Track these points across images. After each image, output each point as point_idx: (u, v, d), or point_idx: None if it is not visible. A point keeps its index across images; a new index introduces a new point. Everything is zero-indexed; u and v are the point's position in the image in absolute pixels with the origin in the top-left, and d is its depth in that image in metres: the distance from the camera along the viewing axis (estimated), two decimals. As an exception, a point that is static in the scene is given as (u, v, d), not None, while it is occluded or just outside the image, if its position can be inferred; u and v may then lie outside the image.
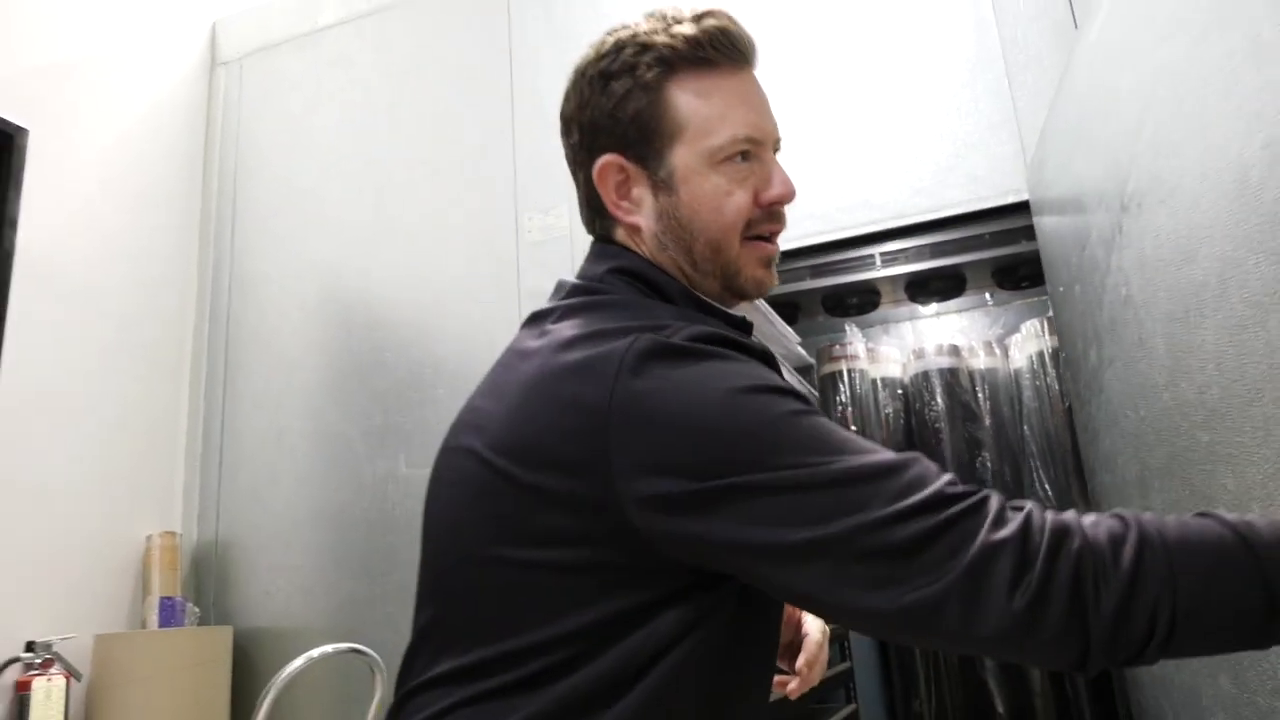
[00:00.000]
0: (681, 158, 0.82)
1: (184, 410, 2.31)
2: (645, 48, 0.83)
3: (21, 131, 1.98)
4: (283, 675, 1.68)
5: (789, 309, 2.09)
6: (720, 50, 0.83)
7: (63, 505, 1.97)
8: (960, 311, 2.39)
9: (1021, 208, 1.69)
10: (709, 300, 0.86)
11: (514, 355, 0.80)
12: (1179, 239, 0.99)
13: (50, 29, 2.10)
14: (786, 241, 0.96)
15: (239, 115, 2.48)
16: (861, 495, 0.63)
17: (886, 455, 0.66)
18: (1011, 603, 0.59)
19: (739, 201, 0.82)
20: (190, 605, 2.11)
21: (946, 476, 0.65)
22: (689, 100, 0.82)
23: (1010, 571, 0.60)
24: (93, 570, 2.02)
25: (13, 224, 1.93)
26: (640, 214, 0.85)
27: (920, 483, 0.63)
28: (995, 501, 0.63)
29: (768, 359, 0.80)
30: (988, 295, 2.26)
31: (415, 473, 2.01)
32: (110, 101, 2.23)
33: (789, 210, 0.87)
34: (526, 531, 0.71)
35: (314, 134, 2.37)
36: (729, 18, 0.85)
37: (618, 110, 0.83)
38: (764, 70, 0.88)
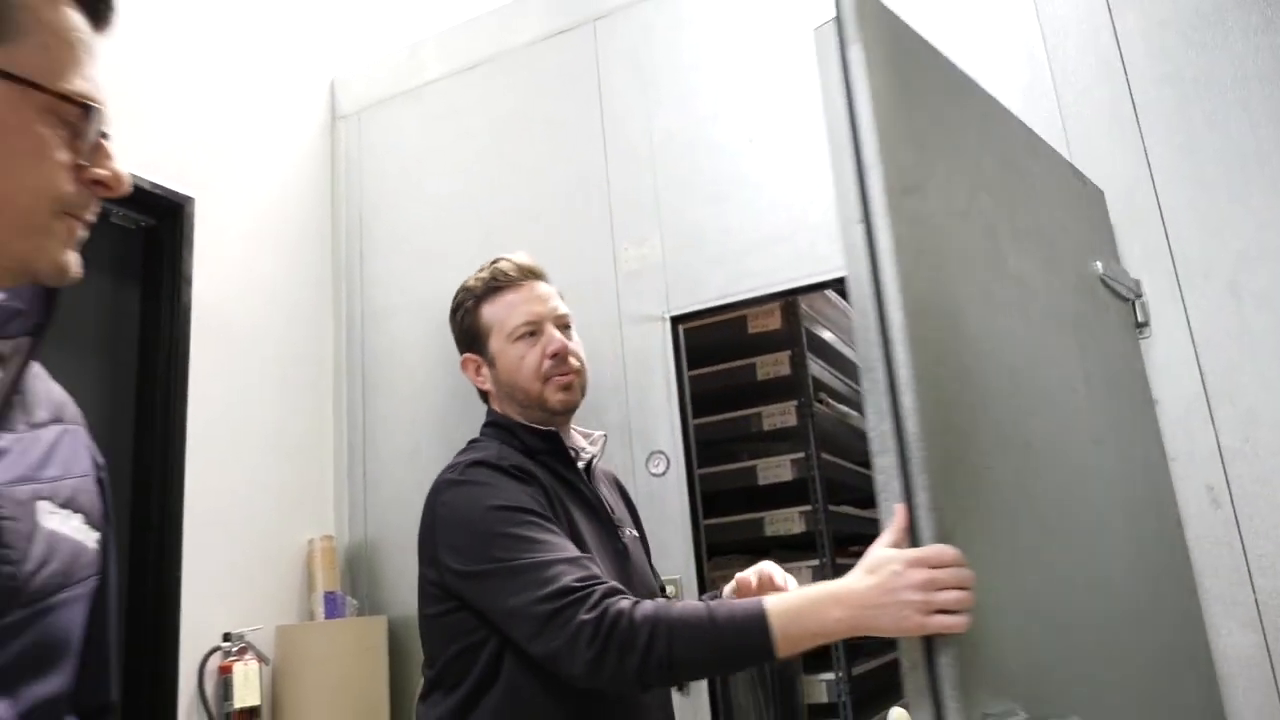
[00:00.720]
0: (495, 344, 1.48)
1: (330, 430, 2.64)
2: (468, 290, 1.54)
3: (189, 200, 2.31)
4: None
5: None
6: (504, 278, 1.50)
7: (242, 516, 2.31)
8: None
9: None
10: (533, 425, 1.46)
11: None
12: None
13: (198, 105, 2.42)
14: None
15: (360, 164, 2.79)
16: (529, 581, 1.20)
17: (545, 556, 1.23)
18: (587, 655, 1.14)
19: (531, 360, 1.44)
20: (349, 598, 2.44)
21: (572, 575, 1.20)
22: (491, 311, 1.49)
23: (587, 638, 1.15)
24: (268, 570, 2.37)
25: (188, 281, 2.27)
26: (489, 383, 1.50)
27: (554, 579, 1.19)
28: (597, 594, 1.17)
29: (523, 473, 1.37)
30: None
31: (536, 480, 2.29)
32: (254, 162, 2.55)
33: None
34: (427, 594, 1.36)
35: (426, 179, 2.66)
36: (510, 258, 1.53)
37: (461, 327, 1.54)
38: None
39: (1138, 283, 1.79)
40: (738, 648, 1.15)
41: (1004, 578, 1.15)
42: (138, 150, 2.20)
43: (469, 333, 1.52)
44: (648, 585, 1.49)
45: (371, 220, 2.74)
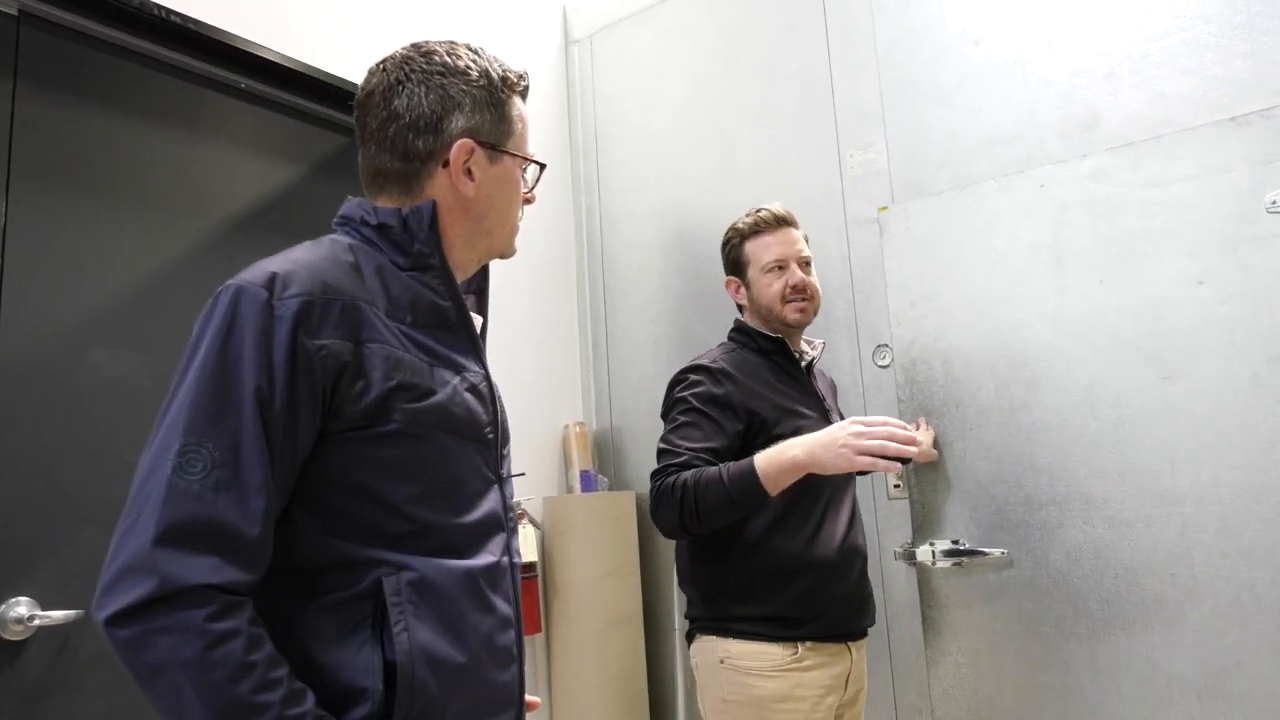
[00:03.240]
0: (752, 273, 1.96)
1: (575, 327, 2.96)
2: (736, 230, 2.01)
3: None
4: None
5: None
6: (763, 224, 1.96)
7: (514, 403, 2.66)
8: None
9: None
10: (769, 334, 1.93)
11: None
12: None
13: (439, 34, 2.70)
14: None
15: (594, 84, 3.03)
16: (662, 448, 1.80)
17: (677, 437, 1.80)
18: (650, 506, 1.68)
19: (777, 288, 1.90)
20: (600, 476, 2.78)
21: (671, 456, 1.74)
22: (752, 247, 1.97)
23: (652, 494, 1.68)
24: (535, 450, 2.73)
25: (461, 198, 2.59)
26: (745, 300, 1.99)
27: (664, 455, 1.78)
28: (674, 466, 1.71)
29: (725, 375, 1.84)
30: None
31: (767, 370, 2.51)
32: (504, 88, 2.83)
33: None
34: None
35: (657, 95, 2.87)
36: (770, 208, 1.97)
37: (728, 256, 2.02)
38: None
39: (1393, 166, 1.77)
40: (741, 489, 1.60)
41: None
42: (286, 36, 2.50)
43: (734, 261, 1.98)
44: None
45: (606, 136, 2.99)
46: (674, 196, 2.79)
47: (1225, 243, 1.91)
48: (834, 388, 2.13)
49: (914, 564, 2.21)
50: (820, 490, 1.76)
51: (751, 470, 1.61)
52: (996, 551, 2.10)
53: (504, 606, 1.06)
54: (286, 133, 2.24)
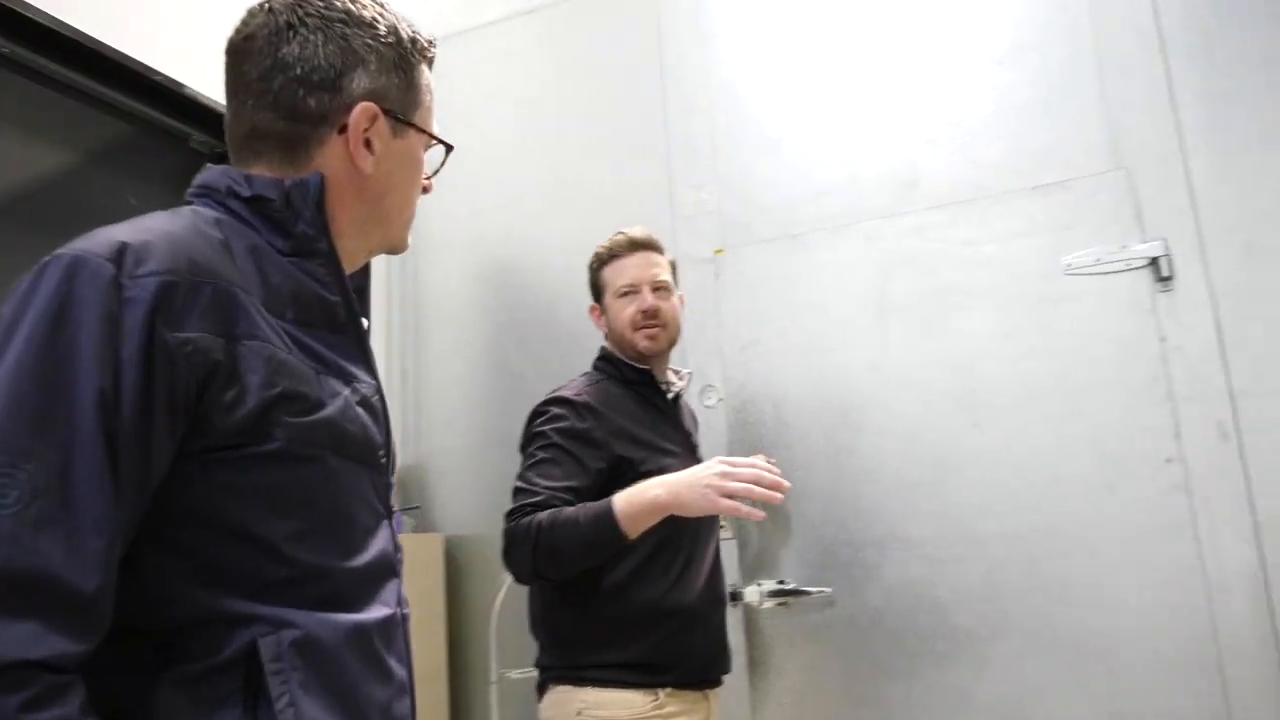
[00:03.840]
0: (608, 298, 1.90)
1: (382, 357, 2.75)
2: (597, 254, 1.92)
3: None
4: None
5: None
6: (619, 248, 1.89)
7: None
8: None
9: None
10: (632, 362, 1.85)
11: None
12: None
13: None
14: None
15: (410, 100, 2.86)
16: (517, 487, 1.69)
17: (531, 474, 1.70)
18: (501, 547, 1.60)
19: (628, 314, 1.84)
20: (405, 517, 2.58)
21: (525, 496, 1.65)
22: (608, 272, 1.90)
23: (505, 536, 1.60)
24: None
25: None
26: (605, 327, 1.91)
27: (518, 493, 1.69)
28: (529, 506, 1.62)
29: (586, 408, 1.77)
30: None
31: (592, 407, 2.44)
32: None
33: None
34: None
35: (486, 121, 2.75)
36: (628, 232, 1.89)
37: (590, 282, 1.95)
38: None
39: (1165, 241, 1.99)
40: (597, 531, 1.53)
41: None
42: (219, 79, 2.25)
43: (594, 286, 1.93)
44: None
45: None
46: (497, 226, 2.68)
47: (1029, 301, 2.07)
48: (695, 420, 2.08)
49: (741, 605, 2.21)
50: (684, 534, 1.70)
51: (609, 512, 1.53)
52: (820, 591, 2.14)
53: (399, 670, 0.89)
54: (49, 110, 1.93)
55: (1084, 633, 1.94)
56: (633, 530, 1.54)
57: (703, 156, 2.45)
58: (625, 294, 1.84)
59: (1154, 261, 1.98)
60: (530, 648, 1.76)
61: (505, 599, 2.19)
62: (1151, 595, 1.90)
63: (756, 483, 1.48)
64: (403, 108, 0.93)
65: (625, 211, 2.51)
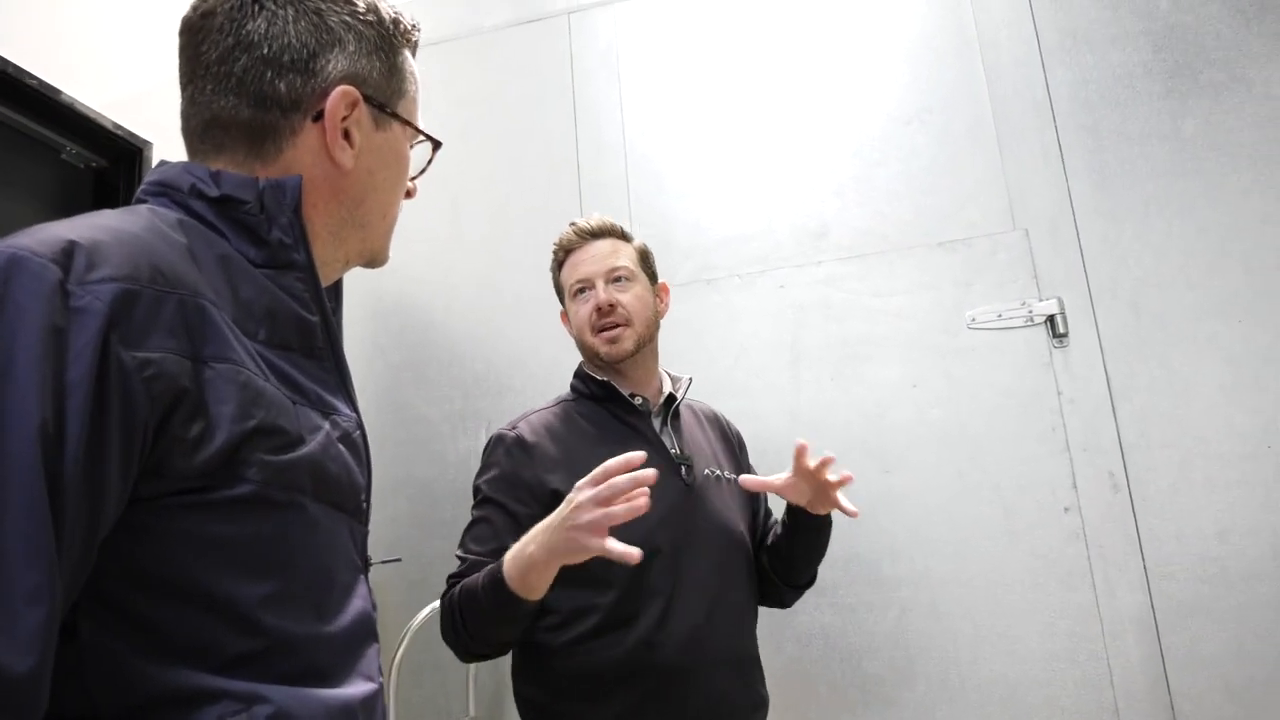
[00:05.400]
0: (567, 302, 1.69)
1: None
2: (553, 255, 1.71)
3: (147, 144, 2.20)
4: (415, 622, 2.03)
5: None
6: (569, 242, 1.68)
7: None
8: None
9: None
10: (595, 376, 1.63)
11: None
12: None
13: (160, 47, 2.31)
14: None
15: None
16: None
17: (466, 542, 1.54)
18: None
19: (582, 315, 1.63)
20: (288, 565, 2.40)
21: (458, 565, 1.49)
22: (564, 273, 1.69)
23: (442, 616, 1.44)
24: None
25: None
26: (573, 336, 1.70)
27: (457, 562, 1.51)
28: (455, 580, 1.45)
29: (523, 446, 1.56)
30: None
31: (495, 451, 2.35)
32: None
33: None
34: None
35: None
36: (577, 222, 1.70)
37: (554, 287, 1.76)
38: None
39: (1060, 299, 2.10)
40: (495, 600, 1.29)
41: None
42: (98, 88, 2.09)
43: (557, 292, 1.72)
44: (720, 521, 1.55)
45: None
46: (397, 262, 2.55)
47: (934, 352, 2.14)
48: (719, 425, 1.76)
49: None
50: (656, 572, 1.43)
51: (499, 574, 1.29)
52: (731, 641, 2.11)
53: None
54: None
55: (989, 680, 1.98)
56: (531, 592, 1.27)
57: (616, 200, 2.43)
58: (578, 292, 1.61)
59: (1050, 319, 2.08)
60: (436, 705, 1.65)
61: (406, 652, 2.05)
62: (1053, 642, 1.96)
63: (611, 496, 1.15)
64: (385, 96, 0.83)
65: (535, 251, 2.46)
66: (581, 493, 1.18)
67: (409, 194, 0.90)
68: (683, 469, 1.55)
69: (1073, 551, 1.98)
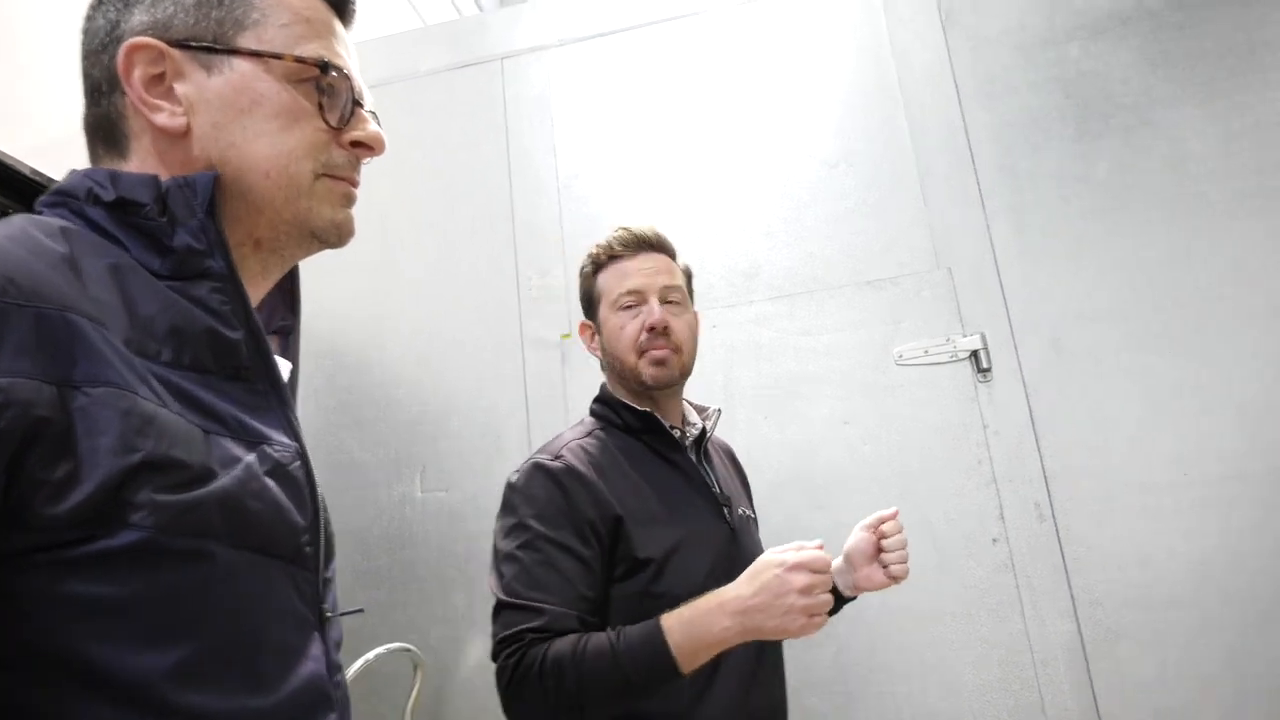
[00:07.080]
0: (603, 312, 1.54)
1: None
2: (590, 256, 1.58)
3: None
4: (349, 673, 1.99)
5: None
6: (620, 247, 1.51)
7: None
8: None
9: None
10: (632, 405, 1.49)
11: None
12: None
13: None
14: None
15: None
16: (496, 616, 1.33)
17: (515, 590, 1.32)
18: (506, 695, 1.24)
19: (629, 332, 1.48)
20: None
21: (515, 623, 1.28)
22: (604, 278, 1.53)
23: (505, 682, 1.24)
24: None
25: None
26: (599, 352, 1.56)
27: (506, 624, 1.31)
28: (525, 640, 1.24)
29: (576, 477, 1.37)
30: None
31: (431, 496, 2.33)
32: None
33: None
34: None
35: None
36: (631, 226, 1.53)
37: (580, 291, 1.61)
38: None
39: (983, 335, 2.16)
40: (646, 672, 1.15)
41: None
42: (13, 134, 2.05)
43: (585, 298, 1.55)
44: None
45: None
46: (324, 303, 2.55)
47: (865, 389, 2.18)
48: (733, 461, 1.69)
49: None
50: None
51: (662, 644, 1.14)
52: (670, 682, 2.10)
53: None
54: None
55: (925, 713, 1.99)
56: (690, 665, 1.17)
57: (549, 239, 2.45)
58: (627, 306, 1.44)
59: (974, 354, 2.13)
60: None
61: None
62: (987, 673, 1.98)
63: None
64: (207, 32, 0.72)
65: (470, 291, 2.47)
66: (799, 573, 1.12)
67: (365, 145, 0.80)
68: (725, 510, 1.46)
69: (1002, 581, 2.01)
